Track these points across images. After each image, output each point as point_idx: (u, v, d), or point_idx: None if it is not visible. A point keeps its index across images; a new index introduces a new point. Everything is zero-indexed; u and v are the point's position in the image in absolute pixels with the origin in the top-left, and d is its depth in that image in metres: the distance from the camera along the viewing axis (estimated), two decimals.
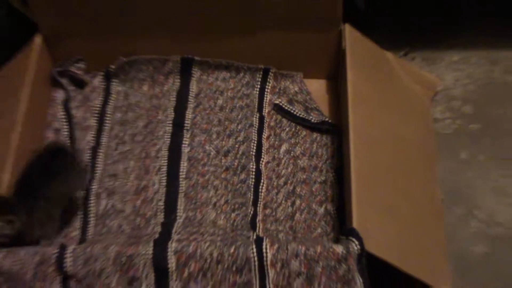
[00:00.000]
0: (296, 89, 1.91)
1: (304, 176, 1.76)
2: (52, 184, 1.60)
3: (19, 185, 1.59)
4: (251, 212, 1.68)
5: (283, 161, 1.78)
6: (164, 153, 1.79)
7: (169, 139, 1.81)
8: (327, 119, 1.84)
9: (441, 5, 2.14)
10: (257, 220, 1.67)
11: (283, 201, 1.72)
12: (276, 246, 1.46)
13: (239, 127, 1.84)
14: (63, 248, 1.49)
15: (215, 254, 1.46)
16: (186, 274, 1.46)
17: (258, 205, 1.70)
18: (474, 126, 1.88)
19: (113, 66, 1.91)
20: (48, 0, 1.77)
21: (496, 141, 1.84)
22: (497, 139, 1.85)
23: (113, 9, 1.79)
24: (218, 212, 1.70)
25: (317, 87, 1.93)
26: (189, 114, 1.86)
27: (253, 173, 1.75)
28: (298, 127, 1.84)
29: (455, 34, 2.06)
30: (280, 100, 1.88)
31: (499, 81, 1.96)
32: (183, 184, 1.74)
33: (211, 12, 1.79)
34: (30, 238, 1.58)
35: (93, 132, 1.85)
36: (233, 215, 1.69)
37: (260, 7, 1.77)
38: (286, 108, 1.86)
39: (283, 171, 1.77)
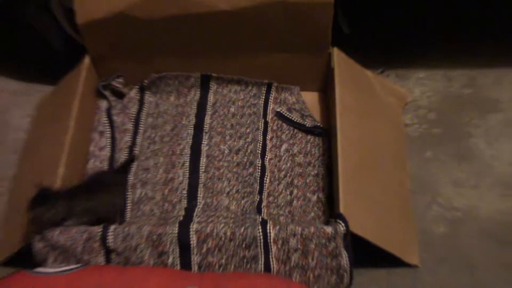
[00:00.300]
0: (294, 99, 1.93)
1: (300, 170, 1.77)
2: (95, 198, 1.63)
3: (73, 189, 1.61)
4: (257, 200, 1.70)
5: (283, 158, 1.80)
6: (187, 151, 1.80)
7: (191, 140, 1.82)
8: (319, 124, 1.85)
9: (410, 33, 2.14)
10: (262, 206, 1.69)
11: (283, 191, 1.73)
12: (277, 227, 1.48)
13: (248, 130, 1.85)
14: (106, 227, 1.52)
15: (228, 233, 1.48)
16: (204, 249, 1.49)
17: (263, 193, 1.71)
18: (436, 130, 1.88)
19: (146, 81, 1.92)
20: (95, 30, 1.78)
21: (454, 142, 1.85)
22: (455, 140, 1.85)
23: (146, 36, 1.81)
24: (231, 199, 1.72)
25: (311, 98, 1.94)
26: (207, 120, 1.87)
27: (259, 167, 1.76)
28: (295, 131, 1.85)
29: (421, 56, 2.06)
30: (281, 108, 1.89)
31: (456, 93, 1.96)
32: (202, 177, 1.75)
33: (225, 38, 1.81)
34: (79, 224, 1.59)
35: (130, 134, 1.86)
36: (242, 201, 1.71)
37: (265, 34, 1.78)
38: (286, 115, 1.88)
39: (283, 166, 1.78)
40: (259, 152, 1.80)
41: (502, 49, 2.05)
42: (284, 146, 1.82)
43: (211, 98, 1.92)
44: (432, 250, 1.64)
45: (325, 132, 1.83)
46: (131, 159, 1.80)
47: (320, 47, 1.81)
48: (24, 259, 1.55)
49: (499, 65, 2.02)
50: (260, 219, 1.58)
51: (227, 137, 1.84)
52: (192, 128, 1.85)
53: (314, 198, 1.72)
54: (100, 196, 1.65)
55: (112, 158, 1.82)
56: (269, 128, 1.85)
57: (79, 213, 1.58)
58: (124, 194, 1.73)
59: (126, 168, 1.78)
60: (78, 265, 1.45)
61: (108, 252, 1.51)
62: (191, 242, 1.49)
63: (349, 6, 1.88)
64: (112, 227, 1.52)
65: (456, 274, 1.59)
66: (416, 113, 1.93)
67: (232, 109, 1.90)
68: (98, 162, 1.81)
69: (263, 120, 1.87)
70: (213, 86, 1.93)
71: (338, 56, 1.81)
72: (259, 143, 1.82)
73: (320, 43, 1.80)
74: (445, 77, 2.01)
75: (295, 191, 1.73)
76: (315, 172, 1.77)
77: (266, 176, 1.75)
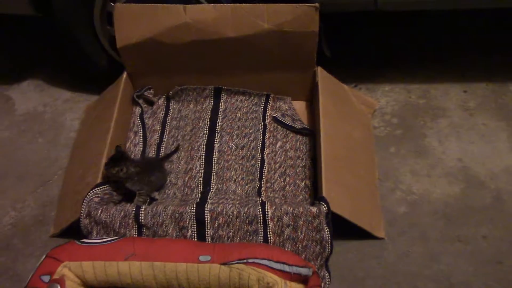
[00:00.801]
0: (287, 107, 1.86)
1: (292, 162, 1.71)
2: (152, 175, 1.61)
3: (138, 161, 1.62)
4: (258, 185, 1.64)
5: (278, 153, 1.73)
6: (203, 147, 1.74)
7: (206, 138, 1.76)
8: (306, 126, 1.80)
9: (378, 55, 2.10)
10: (262, 190, 1.63)
11: (278, 178, 1.67)
12: (273, 207, 1.44)
13: (250, 131, 1.79)
14: (138, 207, 1.47)
15: (235, 212, 1.44)
16: (216, 224, 1.44)
17: (262, 180, 1.65)
18: (398, 131, 1.84)
19: (171, 92, 1.87)
20: (131, 52, 1.74)
21: (412, 141, 1.80)
22: (413, 139, 1.81)
23: (171, 57, 1.76)
24: (237, 185, 1.65)
25: (300, 106, 1.88)
26: (219, 123, 1.81)
27: (259, 160, 1.70)
28: (287, 131, 1.79)
29: (386, 73, 2.02)
30: (276, 114, 1.83)
31: (414, 103, 1.92)
32: (215, 167, 1.69)
33: (233, 59, 1.76)
34: (131, 187, 1.56)
35: (158, 134, 1.80)
36: (246, 187, 1.65)
37: (263, 56, 1.74)
38: (280, 119, 1.81)
39: (278, 159, 1.72)
40: (259, 148, 1.74)
41: (448, 67, 2.02)
42: (279, 144, 1.76)
43: (222, 105, 1.86)
44: (395, 225, 1.59)
45: (311, 133, 1.77)
46: (176, 149, 1.74)
47: (307, 66, 1.77)
48: (75, 232, 1.51)
49: (446, 80, 1.98)
50: (260, 201, 1.53)
51: (234, 136, 1.78)
52: (207, 129, 1.79)
53: (302, 184, 1.65)
54: (155, 174, 1.62)
55: (143, 153, 1.75)
56: (267, 129, 1.79)
57: (142, 182, 1.57)
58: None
59: (169, 156, 1.73)
60: (116, 237, 1.41)
61: (139, 227, 1.46)
62: (206, 219, 1.44)
63: (330, 35, 1.83)
64: (143, 207, 1.47)
65: (414, 244, 1.55)
66: (382, 118, 1.88)
67: (238, 114, 1.84)
68: (132, 155, 1.73)
69: (262, 123, 1.81)
70: (223, 96, 1.87)
71: (321, 73, 1.77)
72: (259, 141, 1.76)
73: (307, 63, 1.76)
74: (405, 90, 1.97)
75: (287, 179, 1.67)
76: (303, 164, 1.70)
77: (264, 167, 1.69)
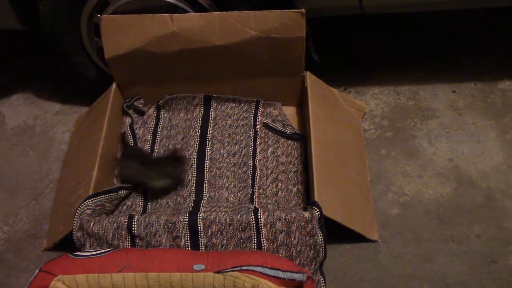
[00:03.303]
0: (277, 113, 1.86)
1: (283, 168, 1.71)
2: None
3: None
4: (250, 192, 1.64)
5: (269, 159, 1.73)
6: (194, 155, 1.73)
7: (197, 147, 1.76)
8: (297, 131, 1.80)
9: (366, 59, 2.11)
10: (254, 197, 1.63)
11: (270, 184, 1.67)
12: (266, 213, 1.43)
13: (241, 138, 1.79)
14: (131, 217, 1.46)
15: (228, 220, 1.43)
16: (209, 233, 1.43)
17: (255, 187, 1.65)
18: (388, 133, 1.84)
19: (161, 101, 1.87)
20: (119, 63, 1.74)
21: (403, 143, 1.81)
22: (403, 141, 1.81)
23: (160, 66, 1.76)
24: (229, 192, 1.65)
25: (290, 111, 1.88)
26: (210, 130, 1.80)
27: (251, 167, 1.70)
28: (279, 137, 1.79)
29: (375, 76, 2.02)
30: (267, 120, 1.83)
31: (403, 105, 1.92)
32: (207, 175, 1.69)
33: (222, 67, 1.76)
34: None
35: (149, 143, 1.80)
36: (239, 194, 1.64)
37: (252, 63, 1.74)
38: (271, 125, 1.81)
39: (270, 165, 1.72)
40: (251, 154, 1.74)
41: (436, 68, 2.02)
42: (270, 149, 1.76)
43: (212, 113, 1.86)
44: (388, 227, 1.60)
45: (302, 138, 1.77)
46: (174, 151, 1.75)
47: (296, 71, 1.77)
48: (68, 245, 1.50)
49: (435, 81, 1.99)
50: (253, 207, 1.53)
51: (226, 144, 1.77)
52: (198, 137, 1.79)
53: (295, 189, 1.65)
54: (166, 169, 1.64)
55: None
56: (258, 136, 1.79)
57: (153, 177, 1.60)
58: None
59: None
60: (110, 249, 1.40)
61: (133, 238, 1.45)
62: (199, 227, 1.44)
63: (318, 40, 1.83)
64: (136, 217, 1.46)
65: (408, 245, 1.55)
66: (372, 121, 1.89)
67: (229, 122, 1.84)
68: None
69: (253, 130, 1.81)
70: (213, 104, 1.87)
71: (310, 78, 1.77)
72: (251, 147, 1.76)
73: (295, 69, 1.76)
74: (394, 92, 1.97)
75: (279, 185, 1.67)
76: (295, 169, 1.70)
77: (256, 173, 1.69)
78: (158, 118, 1.87)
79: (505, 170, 1.70)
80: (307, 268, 1.42)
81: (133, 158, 1.67)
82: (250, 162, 1.71)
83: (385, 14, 1.98)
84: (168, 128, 1.84)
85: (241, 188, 1.66)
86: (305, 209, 1.47)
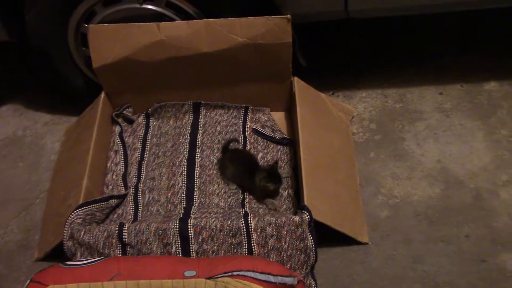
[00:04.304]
0: (266, 118, 1.88)
1: None
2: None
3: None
4: (241, 198, 1.65)
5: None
6: (184, 162, 1.74)
7: (187, 154, 1.77)
8: (286, 136, 1.81)
9: (353, 62, 2.13)
10: (245, 202, 1.64)
11: None
12: (256, 218, 1.45)
13: (231, 144, 1.79)
14: (121, 226, 1.47)
15: (218, 225, 1.44)
16: (200, 239, 1.44)
17: (245, 193, 1.66)
18: (377, 136, 1.86)
19: (150, 109, 1.88)
20: (107, 72, 1.75)
21: (391, 145, 1.82)
22: (392, 144, 1.83)
23: (148, 75, 1.77)
24: (220, 198, 1.66)
25: (279, 117, 1.90)
26: (199, 137, 1.81)
27: None
28: (268, 142, 1.80)
29: (362, 80, 2.05)
30: (256, 126, 1.84)
31: (391, 107, 1.95)
32: (197, 182, 1.69)
33: (210, 74, 1.78)
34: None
35: (138, 151, 1.80)
36: (229, 199, 1.65)
37: (240, 69, 1.75)
38: (260, 130, 1.83)
39: None
40: None
41: (423, 71, 2.05)
42: (260, 155, 1.77)
43: (201, 120, 1.87)
44: (378, 229, 1.61)
45: (291, 142, 1.78)
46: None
47: (284, 77, 1.79)
48: (59, 254, 1.51)
49: (421, 83, 2.01)
50: (243, 212, 1.54)
51: (215, 150, 1.78)
52: (188, 144, 1.79)
53: (285, 194, 1.66)
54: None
55: (125, 171, 1.75)
56: (247, 141, 1.80)
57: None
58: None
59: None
60: (101, 257, 1.40)
61: (123, 246, 1.46)
62: (190, 234, 1.44)
63: (305, 45, 1.85)
64: (126, 226, 1.47)
65: (398, 247, 1.56)
66: (361, 124, 1.91)
67: (218, 128, 1.85)
68: (114, 175, 1.74)
69: (242, 135, 1.82)
70: (203, 111, 1.88)
71: (298, 83, 1.79)
72: None
73: (283, 74, 1.78)
74: (382, 95, 1.99)
75: None
76: (285, 173, 1.70)
77: None
78: (147, 126, 1.87)
79: (492, 170, 1.72)
80: (298, 272, 1.43)
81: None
82: None
83: (370, 18, 2.00)
84: (158, 135, 1.85)
85: (231, 194, 1.66)
86: (295, 213, 1.48)
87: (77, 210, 1.50)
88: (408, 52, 2.13)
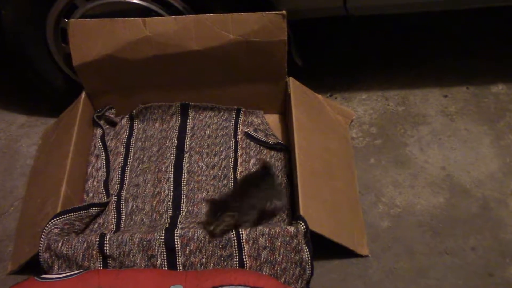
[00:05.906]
0: (259, 121, 1.87)
1: None
2: (259, 195, 1.52)
3: (236, 191, 1.56)
4: None
5: (252, 171, 1.73)
6: (171, 168, 1.73)
7: (174, 159, 1.75)
8: (280, 141, 1.80)
9: (352, 63, 2.13)
10: None
11: None
12: (248, 228, 1.43)
13: (221, 148, 1.79)
14: (102, 236, 1.45)
15: (207, 236, 1.42)
16: (187, 251, 1.43)
17: None
18: (378, 141, 1.86)
19: (134, 111, 1.86)
20: (89, 70, 1.73)
21: (393, 151, 1.82)
22: (393, 149, 1.83)
23: (133, 74, 1.76)
24: None
25: (273, 120, 1.89)
26: (187, 141, 1.80)
27: (232, 179, 1.70)
28: (261, 147, 1.79)
29: (362, 81, 2.05)
30: (248, 129, 1.83)
31: (392, 110, 1.95)
32: (184, 189, 1.68)
33: (199, 73, 1.77)
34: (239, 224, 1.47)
35: (122, 156, 1.79)
36: None
37: (231, 68, 1.75)
38: (253, 134, 1.82)
39: None
40: (231, 166, 1.74)
41: (426, 72, 2.05)
42: (252, 161, 1.76)
43: (190, 123, 1.85)
44: (378, 241, 1.60)
45: (285, 148, 1.78)
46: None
47: (278, 77, 1.78)
48: (34, 267, 1.48)
49: (425, 85, 2.01)
50: None
51: (204, 155, 1.77)
52: (175, 149, 1.78)
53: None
54: (255, 194, 1.52)
55: (107, 177, 1.73)
56: (239, 146, 1.79)
57: (245, 210, 1.48)
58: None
59: (268, 168, 1.61)
60: (80, 270, 1.38)
61: (105, 258, 1.44)
62: (176, 245, 1.43)
63: (301, 43, 1.85)
64: (108, 236, 1.45)
65: (399, 260, 1.56)
66: (361, 128, 1.91)
67: (207, 132, 1.84)
68: (95, 181, 1.72)
69: (234, 140, 1.81)
70: (191, 113, 1.87)
71: (293, 84, 1.78)
72: (231, 159, 1.76)
73: (277, 74, 1.77)
74: (383, 97, 2.00)
75: None
76: (279, 181, 1.69)
77: None
78: (131, 129, 1.86)
79: (500, 178, 1.72)
80: (293, 286, 1.42)
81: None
82: (231, 175, 1.71)
83: (371, 15, 2.00)
84: (143, 139, 1.83)
85: None
86: (290, 224, 1.47)
87: (55, 219, 1.48)
88: (410, 52, 2.13)
